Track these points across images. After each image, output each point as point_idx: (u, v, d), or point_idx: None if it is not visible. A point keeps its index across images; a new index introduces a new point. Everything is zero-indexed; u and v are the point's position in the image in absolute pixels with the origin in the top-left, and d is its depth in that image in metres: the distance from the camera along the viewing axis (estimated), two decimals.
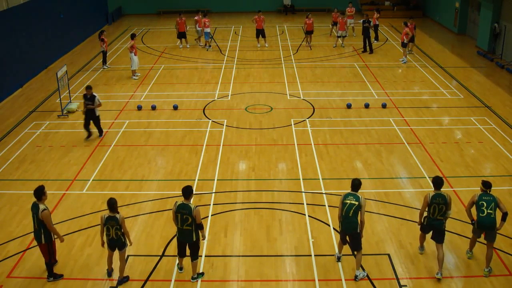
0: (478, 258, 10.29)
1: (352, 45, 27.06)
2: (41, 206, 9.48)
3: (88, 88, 15.89)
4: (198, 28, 26.96)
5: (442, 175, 13.58)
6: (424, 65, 23.48)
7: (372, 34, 26.44)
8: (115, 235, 9.42)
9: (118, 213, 9.46)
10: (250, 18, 34.80)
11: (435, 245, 9.91)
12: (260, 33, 26.96)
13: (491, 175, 13.58)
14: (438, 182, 9.84)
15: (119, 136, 16.36)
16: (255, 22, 26.85)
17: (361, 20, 26.03)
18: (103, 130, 16.43)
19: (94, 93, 15.90)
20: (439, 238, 9.78)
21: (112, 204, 9.41)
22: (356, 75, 22.24)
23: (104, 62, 23.97)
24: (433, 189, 9.89)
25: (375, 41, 27.09)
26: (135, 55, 21.74)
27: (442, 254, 9.70)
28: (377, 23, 27.04)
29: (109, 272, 9.95)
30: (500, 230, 10.00)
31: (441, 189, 9.82)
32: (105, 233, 9.53)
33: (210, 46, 27.01)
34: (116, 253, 9.73)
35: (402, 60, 23.96)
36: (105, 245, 9.72)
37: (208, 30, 26.49)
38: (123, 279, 9.80)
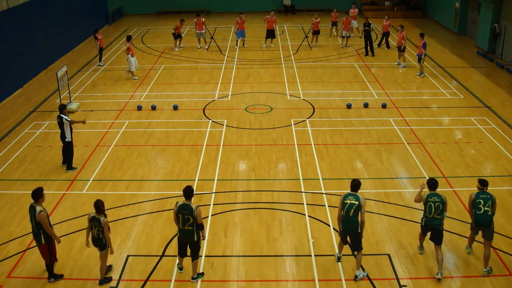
0: (479, 258, 10.27)
1: (352, 45, 27.05)
2: (38, 208, 9.48)
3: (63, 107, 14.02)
4: (199, 31, 26.27)
5: (442, 175, 13.59)
6: (424, 65, 23.43)
7: (373, 36, 26.18)
8: (96, 235, 9.48)
9: (103, 216, 9.41)
10: (250, 18, 34.94)
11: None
12: (270, 33, 26.73)
13: (491, 175, 13.58)
14: (432, 183, 9.95)
15: (119, 136, 16.36)
16: (266, 22, 26.67)
17: (362, 24, 25.96)
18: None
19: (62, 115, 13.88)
20: (437, 239, 9.78)
21: (98, 205, 9.40)
22: (356, 75, 22.23)
23: (100, 58, 24.28)
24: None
25: (387, 49, 26.35)
26: (132, 56, 21.70)
27: (441, 255, 9.71)
28: (388, 30, 25.91)
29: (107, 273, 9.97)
30: (500, 230, 10.00)
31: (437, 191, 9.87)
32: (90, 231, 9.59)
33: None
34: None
35: (398, 64, 23.63)
36: (90, 244, 9.70)
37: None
38: (105, 280, 9.80)
